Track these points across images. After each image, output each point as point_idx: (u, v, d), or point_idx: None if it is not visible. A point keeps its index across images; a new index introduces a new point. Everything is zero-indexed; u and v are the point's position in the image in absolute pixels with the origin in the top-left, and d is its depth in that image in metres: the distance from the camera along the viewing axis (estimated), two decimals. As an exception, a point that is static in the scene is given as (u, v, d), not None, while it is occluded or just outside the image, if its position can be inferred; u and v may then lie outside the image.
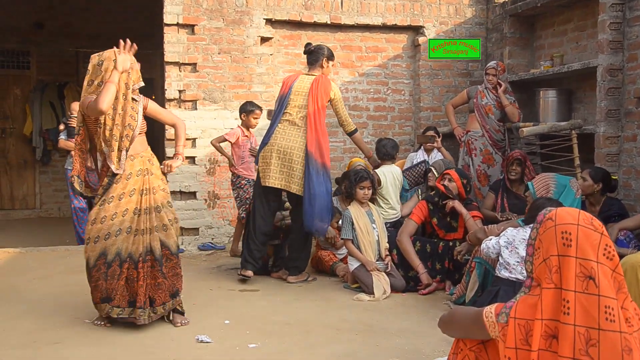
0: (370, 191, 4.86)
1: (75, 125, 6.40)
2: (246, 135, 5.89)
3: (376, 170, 5.36)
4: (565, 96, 5.93)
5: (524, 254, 3.69)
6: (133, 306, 3.64)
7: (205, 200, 6.47)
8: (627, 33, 5.11)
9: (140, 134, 3.75)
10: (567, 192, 4.13)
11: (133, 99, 3.72)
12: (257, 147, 5.52)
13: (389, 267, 4.70)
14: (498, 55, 6.81)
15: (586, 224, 1.78)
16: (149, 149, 3.89)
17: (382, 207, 5.30)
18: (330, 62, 5.10)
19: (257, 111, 5.85)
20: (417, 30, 7.10)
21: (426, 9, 7.02)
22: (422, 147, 6.27)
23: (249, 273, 4.82)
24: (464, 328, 2.02)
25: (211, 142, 5.94)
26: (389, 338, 3.56)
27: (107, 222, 3.62)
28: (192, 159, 6.40)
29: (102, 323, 3.77)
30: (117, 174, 3.65)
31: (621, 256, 2.79)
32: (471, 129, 6.16)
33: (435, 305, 4.32)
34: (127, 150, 3.66)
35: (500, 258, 3.80)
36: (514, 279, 3.64)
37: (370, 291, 4.49)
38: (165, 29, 6.35)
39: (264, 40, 6.64)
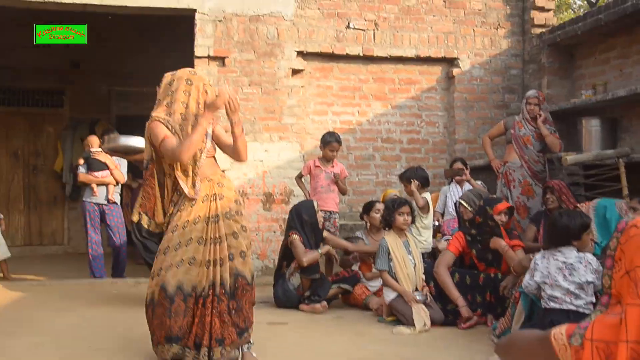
0: (410, 217, 4.62)
1: (96, 158, 6.39)
2: (318, 166, 5.76)
3: (424, 196, 5.18)
4: (609, 125, 5.69)
5: (566, 284, 3.39)
6: (198, 348, 3.22)
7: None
8: (675, 56, 4.88)
9: (208, 157, 3.44)
10: (610, 211, 3.87)
11: None
12: (339, 175, 5.68)
13: (428, 298, 4.42)
14: (536, 87, 6.61)
15: (678, 231, 1.53)
16: (219, 171, 3.56)
17: (422, 236, 5.06)
18: None
19: (334, 144, 5.69)
20: (451, 62, 6.96)
21: (460, 41, 6.90)
22: (453, 181, 6.08)
23: None
24: (527, 353, 1.75)
25: (295, 179, 6.05)
26: (430, 374, 3.27)
27: (169, 253, 3.29)
28: (220, 192, 6.26)
29: None
30: (185, 201, 3.33)
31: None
32: (509, 160, 5.91)
33: (478, 340, 3.99)
34: (194, 185, 3.35)
35: (543, 293, 3.50)
36: (566, 309, 3.33)
37: (409, 323, 4.22)
38: (196, 61, 6.33)
39: (295, 72, 6.56)
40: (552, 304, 3.43)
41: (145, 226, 3.49)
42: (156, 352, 3.33)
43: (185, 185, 3.33)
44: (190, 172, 3.35)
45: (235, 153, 3.50)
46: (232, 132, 3.37)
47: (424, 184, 5.38)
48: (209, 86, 3.47)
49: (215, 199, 3.37)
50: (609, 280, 1.64)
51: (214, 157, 3.53)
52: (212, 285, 3.25)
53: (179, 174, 3.34)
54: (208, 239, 3.30)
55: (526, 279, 3.60)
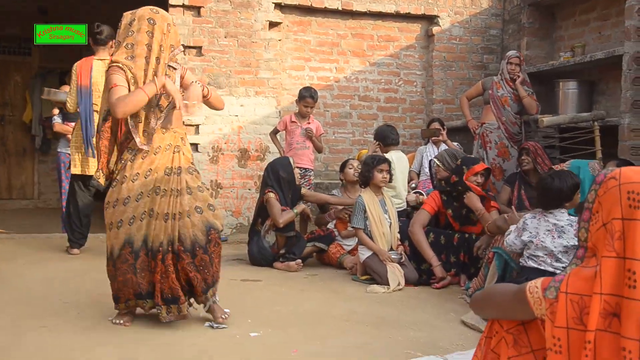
0: (389, 175, 4.60)
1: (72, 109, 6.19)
2: (294, 121, 5.67)
3: (386, 155, 5.14)
4: (586, 87, 5.69)
5: (552, 246, 3.40)
6: (173, 302, 3.13)
7: (208, 189, 6.20)
8: (655, 19, 4.85)
9: (176, 107, 3.21)
10: (583, 171, 3.89)
11: (170, 66, 3.23)
12: (312, 130, 5.60)
13: (403, 258, 4.43)
14: (515, 47, 6.56)
15: (657, 183, 1.51)
16: (184, 127, 3.41)
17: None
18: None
19: (308, 99, 5.58)
20: (431, 19, 6.86)
21: (441, -3, 6.79)
22: (430, 141, 6.06)
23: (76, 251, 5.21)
24: (502, 307, 1.75)
25: (269, 134, 5.93)
26: (403, 330, 3.29)
27: (131, 203, 3.11)
28: (194, 146, 6.14)
29: (122, 322, 3.23)
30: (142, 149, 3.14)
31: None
32: (486, 120, 5.90)
33: (451, 299, 4.04)
34: (157, 122, 3.16)
35: (525, 252, 3.50)
36: (543, 269, 3.35)
37: (384, 282, 4.23)
38: (170, 10, 6.12)
39: (272, 25, 6.40)
40: (531, 262, 3.43)
41: (103, 185, 3.28)
42: (118, 307, 3.25)
43: (136, 133, 3.13)
44: (142, 118, 3.14)
45: (211, 107, 3.49)
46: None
47: (389, 142, 5.35)
48: (172, 26, 3.25)
49: (180, 152, 3.24)
50: (585, 233, 1.62)
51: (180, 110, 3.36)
52: (172, 240, 3.10)
53: (132, 122, 3.14)
54: (169, 190, 3.13)
55: (511, 238, 3.55)
